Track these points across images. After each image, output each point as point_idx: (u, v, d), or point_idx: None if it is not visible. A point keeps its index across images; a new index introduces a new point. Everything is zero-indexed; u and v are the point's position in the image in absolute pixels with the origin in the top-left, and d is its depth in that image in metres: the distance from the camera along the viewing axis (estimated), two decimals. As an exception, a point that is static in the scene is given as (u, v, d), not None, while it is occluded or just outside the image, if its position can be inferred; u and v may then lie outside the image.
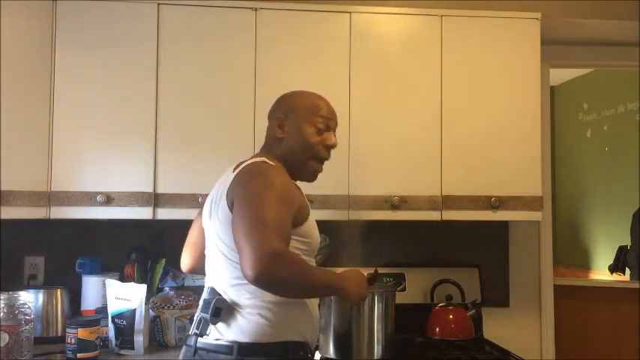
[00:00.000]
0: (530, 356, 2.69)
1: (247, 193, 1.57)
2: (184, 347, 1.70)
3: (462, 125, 2.47)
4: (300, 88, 2.37)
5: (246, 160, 1.73)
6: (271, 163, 1.69)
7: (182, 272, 1.99)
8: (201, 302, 1.68)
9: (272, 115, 1.82)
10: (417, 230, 2.74)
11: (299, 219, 1.64)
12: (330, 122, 1.80)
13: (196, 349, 1.62)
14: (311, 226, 1.71)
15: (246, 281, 1.50)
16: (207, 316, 1.60)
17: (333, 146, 1.80)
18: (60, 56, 2.31)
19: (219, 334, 1.61)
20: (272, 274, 1.45)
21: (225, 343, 1.59)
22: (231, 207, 1.60)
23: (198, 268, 1.87)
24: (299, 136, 1.75)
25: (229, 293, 1.62)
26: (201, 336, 1.62)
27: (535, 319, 2.88)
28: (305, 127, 1.75)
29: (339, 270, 1.75)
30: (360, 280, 1.71)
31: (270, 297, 1.58)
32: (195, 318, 1.69)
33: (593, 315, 3.14)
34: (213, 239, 1.69)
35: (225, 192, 1.63)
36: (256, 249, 1.44)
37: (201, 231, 1.81)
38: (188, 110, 2.36)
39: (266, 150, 1.80)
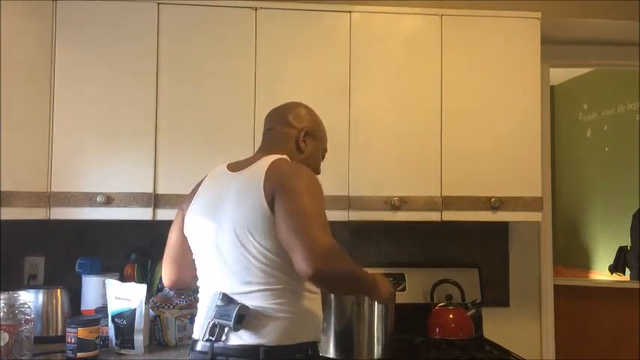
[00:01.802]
0: (530, 356, 2.69)
1: (298, 187, 1.56)
2: (192, 353, 1.66)
3: (461, 125, 2.47)
4: (299, 88, 2.40)
5: (254, 159, 1.72)
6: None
7: (166, 287, 1.91)
8: (210, 308, 1.63)
9: (296, 120, 1.82)
10: (417, 230, 2.74)
11: None
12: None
13: (213, 356, 1.59)
14: None
15: (270, 285, 1.57)
16: (228, 322, 1.56)
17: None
18: (60, 56, 2.31)
19: (240, 338, 1.58)
20: (329, 269, 1.48)
21: (250, 346, 1.56)
22: (270, 204, 1.56)
23: (182, 281, 1.85)
24: (315, 156, 1.86)
25: (250, 298, 1.59)
26: (216, 342, 1.60)
27: (535, 319, 2.88)
28: (319, 150, 1.87)
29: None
30: (385, 280, 1.78)
31: (292, 300, 1.60)
32: (202, 324, 1.65)
33: (593, 315, 3.14)
34: (228, 243, 1.63)
35: (260, 190, 1.58)
36: (317, 242, 1.46)
37: (184, 241, 1.78)
38: (188, 110, 2.36)
39: (283, 152, 1.76)
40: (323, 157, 1.92)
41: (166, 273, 1.86)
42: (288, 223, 1.51)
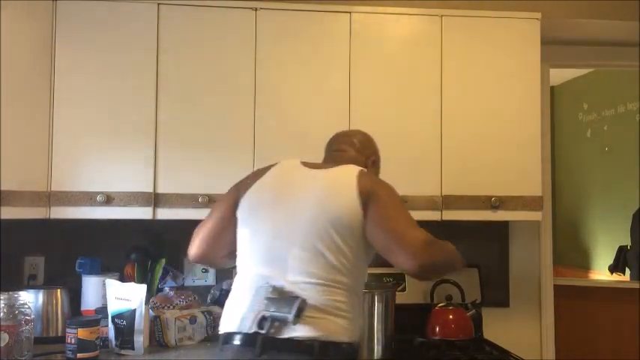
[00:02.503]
0: (530, 356, 2.69)
1: (387, 195, 1.68)
2: (228, 347, 1.60)
3: (462, 125, 2.47)
4: (299, 88, 2.40)
5: (336, 165, 1.77)
6: None
7: (190, 260, 1.88)
8: (255, 300, 1.59)
9: (363, 147, 1.92)
10: (417, 230, 2.73)
11: None
12: None
13: (264, 349, 1.54)
14: None
15: (332, 282, 1.58)
16: (286, 315, 1.53)
17: None
18: (60, 56, 2.31)
19: (293, 331, 1.54)
20: (431, 262, 1.61)
21: (305, 339, 1.54)
22: (364, 207, 1.62)
23: (210, 258, 1.85)
24: None
25: (309, 290, 1.58)
26: (265, 335, 1.55)
27: (535, 319, 2.88)
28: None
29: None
30: None
31: (347, 299, 1.61)
32: (242, 315, 1.60)
33: (593, 315, 3.14)
34: (302, 233, 1.62)
35: (354, 192, 1.63)
36: (414, 240, 1.59)
37: (227, 220, 1.76)
38: (188, 110, 2.36)
39: None
40: None
41: (196, 246, 1.83)
42: (386, 225, 1.62)
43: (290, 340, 1.54)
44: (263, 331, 1.55)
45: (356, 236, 1.63)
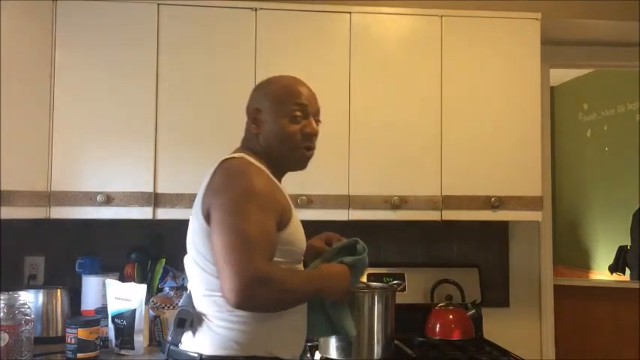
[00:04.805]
0: (530, 356, 2.69)
1: (226, 203, 1.45)
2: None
3: (461, 125, 2.47)
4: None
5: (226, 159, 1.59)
6: (250, 159, 1.56)
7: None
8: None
9: (247, 108, 1.70)
10: (417, 230, 2.74)
11: (280, 224, 1.51)
12: (307, 108, 1.64)
13: (168, 357, 1.58)
14: (293, 232, 1.56)
15: (216, 293, 1.48)
16: (171, 329, 1.58)
17: (313, 133, 1.64)
18: (60, 56, 2.31)
19: (186, 344, 1.55)
20: (255, 300, 1.40)
21: (191, 353, 1.52)
22: (206, 216, 1.48)
23: None
24: (273, 128, 1.62)
25: (200, 303, 1.54)
26: (174, 344, 1.57)
27: (535, 319, 2.88)
28: (279, 118, 1.62)
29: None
30: (341, 273, 1.61)
31: (239, 312, 1.48)
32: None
33: (593, 315, 3.14)
34: (188, 244, 1.59)
35: (201, 198, 1.51)
36: (238, 273, 1.37)
37: None
38: (188, 110, 2.36)
39: (245, 146, 1.66)
40: (297, 120, 1.62)
41: None
42: (217, 246, 1.43)
43: (182, 352, 1.55)
44: (170, 340, 1.58)
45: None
